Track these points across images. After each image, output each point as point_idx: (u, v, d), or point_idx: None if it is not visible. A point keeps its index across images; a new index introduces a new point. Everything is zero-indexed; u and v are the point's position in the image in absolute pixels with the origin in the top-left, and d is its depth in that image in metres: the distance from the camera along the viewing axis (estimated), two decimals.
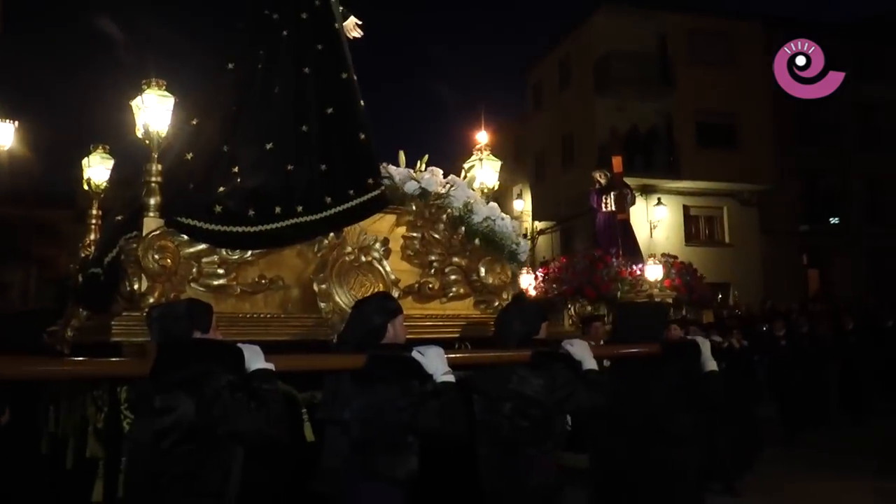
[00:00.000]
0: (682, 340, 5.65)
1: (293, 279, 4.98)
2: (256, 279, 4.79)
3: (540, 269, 11.61)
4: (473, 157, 6.25)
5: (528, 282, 10.83)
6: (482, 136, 6.31)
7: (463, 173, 6.10)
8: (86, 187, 6.41)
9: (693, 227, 23.92)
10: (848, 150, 24.76)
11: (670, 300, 10.43)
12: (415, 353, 3.49)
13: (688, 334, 7.15)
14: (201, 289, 4.59)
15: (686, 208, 23.64)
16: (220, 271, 4.66)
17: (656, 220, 22.53)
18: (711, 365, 4.64)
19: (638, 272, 10.70)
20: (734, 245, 23.64)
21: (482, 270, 5.56)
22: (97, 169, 6.44)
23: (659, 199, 22.45)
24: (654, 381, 4.59)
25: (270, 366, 3.15)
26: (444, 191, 5.50)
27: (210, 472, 3.01)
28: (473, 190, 5.89)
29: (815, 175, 24.49)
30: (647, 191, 22.69)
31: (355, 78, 5.49)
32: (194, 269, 4.58)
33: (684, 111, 23.03)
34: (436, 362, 3.46)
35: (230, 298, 4.70)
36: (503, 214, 5.71)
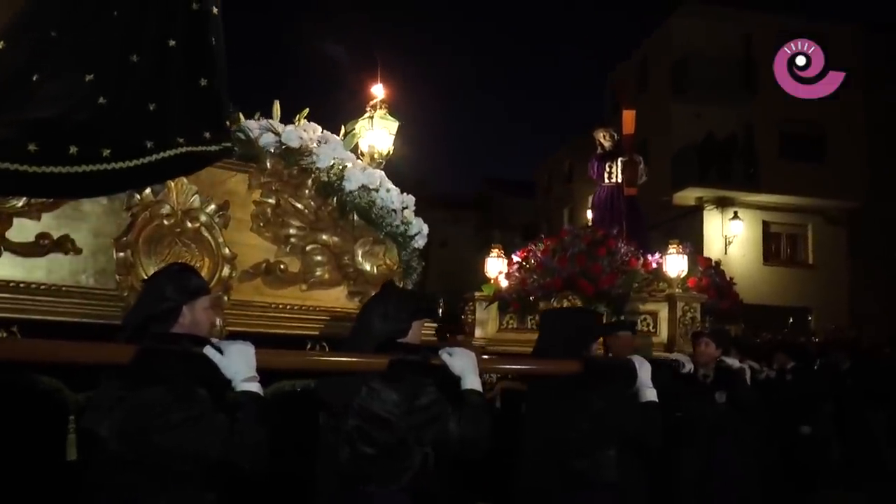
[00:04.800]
0: (614, 360, 4.52)
1: (95, 244, 3.94)
2: (34, 238, 3.77)
3: (517, 253, 8.73)
4: (365, 115, 5.08)
5: (499, 268, 8.48)
6: (378, 90, 5.14)
7: (342, 131, 4.93)
8: None
9: (773, 245, 21.79)
10: None
11: (698, 305, 7.78)
12: (208, 350, 2.53)
13: (727, 354, 5.90)
14: None
15: (766, 224, 21.59)
16: None
17: (732, 236, 20.78)
18: (650, 395, 3.61)
19: (654, 264, 8.08)
20: (818, 267, 21.41)
21: (358, 253, 4.46)
22: None
23: (735, 212, 20.71)
24: (572, 408, 3.59)
25: None
26: (313, 147, 4.39)
27: None
28: (362, 155, 4.77)
29: None
30: (723, 203, 21.02)
31: (215, 12, 4.42)
32: None
33: (768, 118, 20.98)
34: (237, 364, 2.50)
35: None
36: (390, 185, 4.55)
